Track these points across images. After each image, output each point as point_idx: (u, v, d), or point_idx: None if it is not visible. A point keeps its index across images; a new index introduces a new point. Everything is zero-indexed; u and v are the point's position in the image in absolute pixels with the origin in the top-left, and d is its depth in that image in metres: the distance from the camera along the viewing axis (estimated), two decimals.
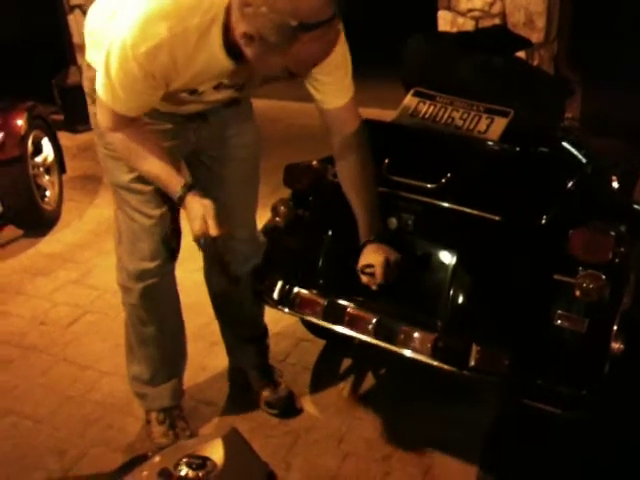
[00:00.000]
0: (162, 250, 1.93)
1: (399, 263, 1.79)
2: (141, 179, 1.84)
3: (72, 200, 4.08)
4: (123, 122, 1.69)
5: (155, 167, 1.73)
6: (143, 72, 1.56)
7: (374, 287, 1.79)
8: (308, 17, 1.39)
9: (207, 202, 1.70)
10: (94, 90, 1.73)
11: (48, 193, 3.82)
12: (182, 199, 1.72)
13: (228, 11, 1.52)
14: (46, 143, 3.84)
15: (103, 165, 1.94)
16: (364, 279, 1.78)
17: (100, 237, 3.62)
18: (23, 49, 6.11)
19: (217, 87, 1.72)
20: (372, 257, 1.78)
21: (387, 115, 2.21)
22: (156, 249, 1.92)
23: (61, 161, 3.96)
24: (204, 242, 1.68)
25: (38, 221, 3.70)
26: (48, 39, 5.47)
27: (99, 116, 1.72)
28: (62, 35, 5.45)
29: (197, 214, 1.69)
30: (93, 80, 1.75)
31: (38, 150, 3.77)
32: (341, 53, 1.70)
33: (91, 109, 1.84)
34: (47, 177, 3.83)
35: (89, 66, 1.86)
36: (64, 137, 4.45)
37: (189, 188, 1.73)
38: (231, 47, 1.57)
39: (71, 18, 5.34)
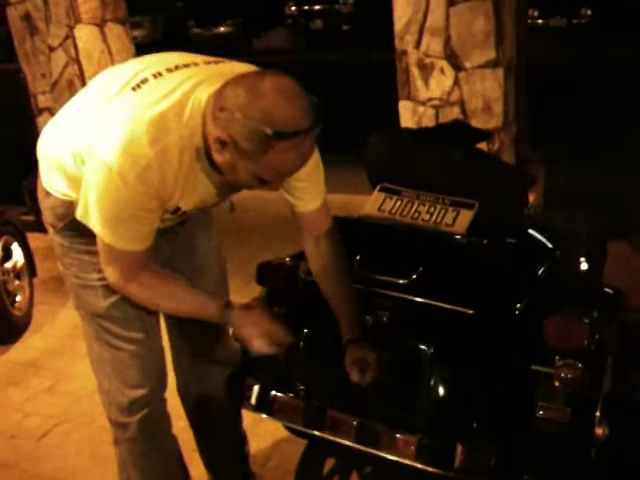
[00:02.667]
0: (152, 374, 1.86)
1: (384, 361, 1.76)
2: (120, 303, 1.74)
3: (44, 303, 4.01)
4: (137, 269, 1.60)
5: (185, 303, 1.67)
6: (139, 196, 1.48)
7: (364, 384, 1.75)
8: (283, 126, 1.38)
9: (258, 315, 1.68)
10: (59, 218, 1.68)
11: (18, 298, 3.76)
12: (228, 320, 1.68)
13: (204, 119, 1.49)
14: (16, 248, 3.81)
15: (74, 295, 1.82)
16: (355, 377, 1.74)
17: (73, 340, 3.54)
18: None
19: (200, 205, 1.68)
20: (361, 354, 1.75)
21: (353, 200, 2.23)
22: (145, 374, 1.84)
23: (31, 265, 3.92)
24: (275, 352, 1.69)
25: (8, 328, 3.62)
26: (18, 142, 5.51)
27: (109, 275, 1.61)
28: (31, 137, 5.50)
29: (254, 331, 1.66)
30: (54, 208, 1.70)
31: (8, 255, 3.73)
32: (314, 159, 1.68)
33: (55, 239, 1.77)
34: (17, 282, 3.78)
35: (48, 194, 1.72)
36: (35, 238, 4.42)
37: (228, 307, 1.67)
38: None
39: (40, 120, 5.41)
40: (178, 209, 1.63)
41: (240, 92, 1.41)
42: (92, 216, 1.53)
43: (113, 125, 1.48)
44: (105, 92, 1.58)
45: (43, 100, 5.36)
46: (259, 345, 1.67)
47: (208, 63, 1.63)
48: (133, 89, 1.52)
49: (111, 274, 1.61)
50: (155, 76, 1.54)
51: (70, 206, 1.64)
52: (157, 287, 1.66)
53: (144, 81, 1.53)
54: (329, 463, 2.43)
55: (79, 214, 1.57)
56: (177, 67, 1.57)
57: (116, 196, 1.48)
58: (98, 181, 1.49)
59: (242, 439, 2.24)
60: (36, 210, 5.48)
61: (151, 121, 1.46)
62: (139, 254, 1.58)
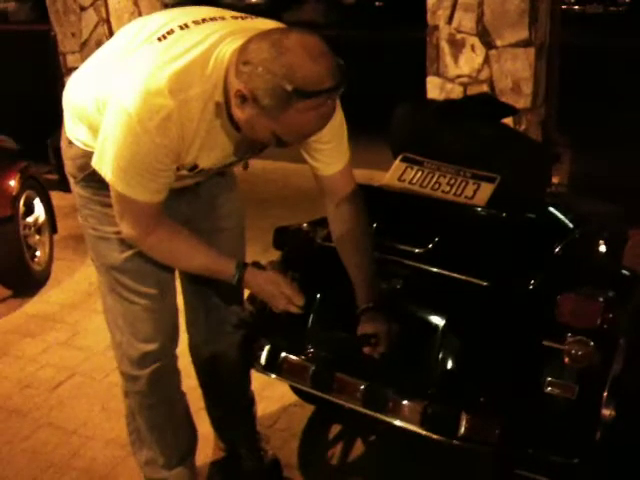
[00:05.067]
0: (163, 329, 1.87)
1: (396, 332, 1.77)
2: (135, 257, 1.75)
3: (63, 259, 4.07)
4: (150, 222, 1.59)
5: (200, 259, 1.68)
6: (156, 147, 1.47)
7: (376, 356, 1.75)
8: (305, 84, 1.36)
9: (273, 275, 1.70)
10: (79, 169, 1.68)
11: (38, 253, 3.81)
12: (241, 280, 1.68)
13: (227, 74, 1.47)
14: (38, 203, 3.85)
15: (91, 247, 1.83)
16: (367, 349, 1.75)
17: (90, 297, 3.59)
18: (21, 109, 6.17)
19: (218, 163, 1.67)
20: (374, 326, 1.74)
21: (376, 176, 2.22)
22: (157, 329, 1.85)
23: (52, 221, 3.97)
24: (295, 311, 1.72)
25: (27, 281, 3.68)
26: (46, 101, 5.55)
27: (124, 228, 1.61)
28: (58, 97, 5.53)
29: (272, 290, 1.69)
30: (76, 159, 1.71)
31: (30, 210, 3.78)
32: (338, 120, 1.65)
33: (75, 189, 1.78)
34: (38, 237, 3.83)
35: (70, 144, 1.73)
36: (57, 196, 4.47)
37: (243, 266, 1.69)
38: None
39: (67, 80, 5.44)
40: (195, 166, 1.62)
41: (264, 47, 1.39)
42: (106, 163, 1.52)
43: (136, 73, 1.47)
44: (131, 41, 1.58)
45: (72, 59, 5.38)
46: (283, 304, 1.70)
47: (235, 18, 1.61)
48: (159, 39, 1.52)
49: (126, 227, 1.61)
50: (182, 28, 1.53)
51: (91, 157, 1.63)
52: (174, 242, 1.66)
53: (170, 32, 1.52)
54: (334, 429, 2.45)
55: (94, 161, 1.56)
56: (204, 20, 1.56)
57: (134, 144, 1.47)
58: (117, 127, 1.47)
59: (250, 400, 2.26)
60: (60, 168, 5.57)
61: (175, 72, 1.45)
62: (152, 206, 1.58)
